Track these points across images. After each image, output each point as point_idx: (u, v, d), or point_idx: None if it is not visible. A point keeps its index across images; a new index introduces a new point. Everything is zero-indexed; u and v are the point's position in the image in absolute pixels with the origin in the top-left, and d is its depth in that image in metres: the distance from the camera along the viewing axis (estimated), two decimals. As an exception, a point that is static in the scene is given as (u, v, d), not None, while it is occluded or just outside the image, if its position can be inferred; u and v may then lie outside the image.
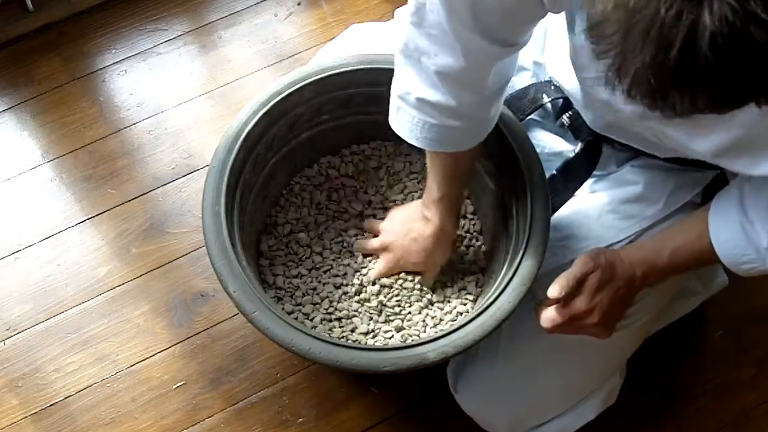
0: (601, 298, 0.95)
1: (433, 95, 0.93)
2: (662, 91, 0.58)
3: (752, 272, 0.92)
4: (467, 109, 0.95)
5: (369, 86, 1.12)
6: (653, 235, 1.01)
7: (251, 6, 1.59)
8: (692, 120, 0.82)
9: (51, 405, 1.27)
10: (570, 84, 1.01)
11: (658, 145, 0.95)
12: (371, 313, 1.13)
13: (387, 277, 1.15)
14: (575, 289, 0.95)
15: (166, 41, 1.56)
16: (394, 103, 0.99)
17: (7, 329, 1.31)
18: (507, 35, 0.90)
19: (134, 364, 1.29)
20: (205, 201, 1.03)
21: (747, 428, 1.29)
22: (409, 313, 1.13)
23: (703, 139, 0.83)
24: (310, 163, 1.23)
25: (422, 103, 0.95)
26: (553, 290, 0.95)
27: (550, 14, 0.87)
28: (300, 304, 1.13)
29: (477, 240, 1.20)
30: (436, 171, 1.04)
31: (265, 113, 1.08)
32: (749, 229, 0.88)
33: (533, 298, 1.01)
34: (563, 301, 0.96)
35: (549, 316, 0.96)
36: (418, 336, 1.11)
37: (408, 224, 1.13)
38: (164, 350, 1.31)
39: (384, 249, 1.15)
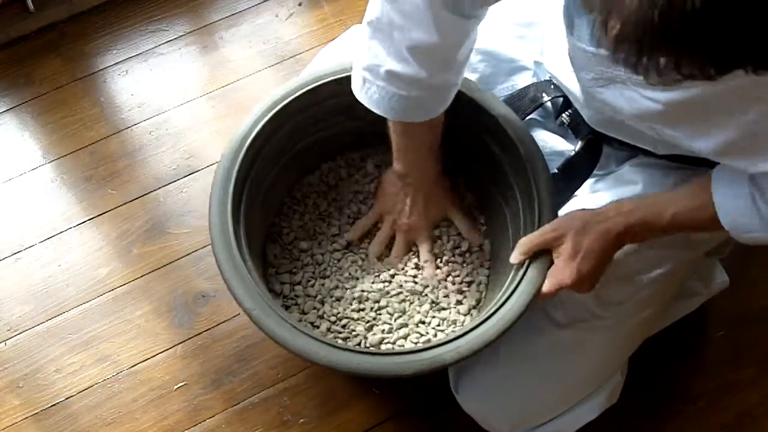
0: (578, 264, 0.96)
1: (404, 68, 0.94)
2: (648, 46, 0.57)
3: (752, 241, 0.92)
4: (436, 80, 0.96)
5: None
6: (655, 194, 1.00)
7: (252, 6, 1.59)
8: (689, 121, 0.82)
9: (52, 405, 1.27)
10: (569, 82, 1.02)
11: (657, 141, 0.95)
12: (382, 318, 1.12)
13: (395, 276, 1.15)
14: (547, 261, 0.98)
15: (167, 42, 1.56)
16: (360, 74, 0.99)
17: (8, 330, 1.31)
18: (475, 9, 0.91)
19: (135, 365, 1.30)
20: (211, 217, 1.02)
21: (748, 429, 1.29)
22: (419, 314, 1.13)
23: (702, 139, 0.83)
24: (311, 169, 1.23)
25: (391, 76, 0.96)
26: (514, 258, 0.99)
27: (547, 15, 0.88)
28: (307, 312, 1.12)
29: (483, 244, 1.19)
30: (410, 141, 1.06)
31: (266, 123, 1.07)
32: (759, 199, 0.88)
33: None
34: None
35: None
36: (429, 339, 1.10)
37: (403, 199, 1.15)
38: (165, 351, 1.31)
39: (400, 229, 1.16)
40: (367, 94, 0.99)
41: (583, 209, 0.99)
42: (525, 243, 0.99)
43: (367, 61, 0.97)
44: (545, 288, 0.98)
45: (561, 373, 1.09)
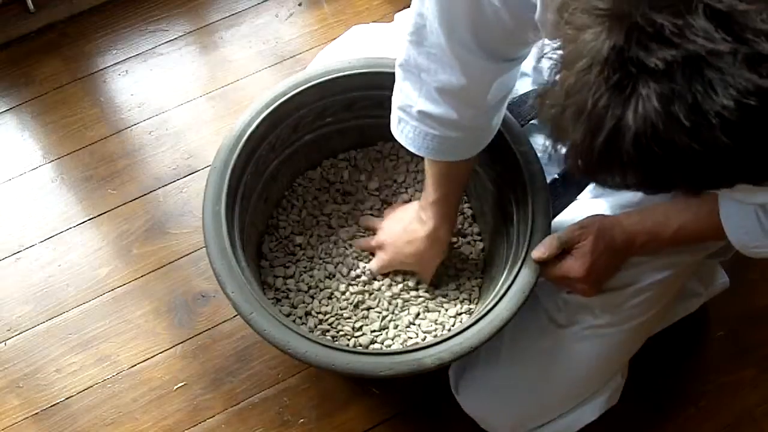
0: (593, 262, 0.98)
1: (434, 109, 0.95)
2: (590, 171, 0.61)
3: (758, 255, 0.94)
4: (468, 122, 0.97)
5: (374, 90, 1.12)
6: (661, 205, 1.02)
7: (252, 6, 1.59)
8: None
9: (52, 406, 1.27)
10: None
11: None
12: (370, 318, 1.13)
13: (386, 278, 1.15)
14: (561, 252, 1.00)
15: (167, 42, 1.56)
16: (396, 114, 1.01)
17: (8, 330, 1.31)
18: (508, 52, 0.91)
19: (135, 365, 1.29)
20: (205, 201, 1.03)
21: (748, 429, 1.29)
22: (408, 316, 1.13)
23: None
24: (312, 165, 1.23)
25: (423, 116, 0.97)
26: (537, 252, 1.00)
27: None
28: (296, 307, 1.13)
29: (477, 245, 1.20)
30: (434, 174, 1.06)
31: (268, 115, 1.08)
32: (763, 217, 0.89)
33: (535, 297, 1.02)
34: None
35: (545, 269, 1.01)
36: (418, 341, 1.10)
37: (403, 224, 1.14)
38: (165, 351, 1.31)
39: (380, 247, 1.15)
40: (402, 132, 1.01)
41: (603, 215, 1.01)
42: (552, 239, 1.00)
43: (400, 101, 0.99)
44: (553, 271, 1.00)
45: (562, 375, 1.09)
